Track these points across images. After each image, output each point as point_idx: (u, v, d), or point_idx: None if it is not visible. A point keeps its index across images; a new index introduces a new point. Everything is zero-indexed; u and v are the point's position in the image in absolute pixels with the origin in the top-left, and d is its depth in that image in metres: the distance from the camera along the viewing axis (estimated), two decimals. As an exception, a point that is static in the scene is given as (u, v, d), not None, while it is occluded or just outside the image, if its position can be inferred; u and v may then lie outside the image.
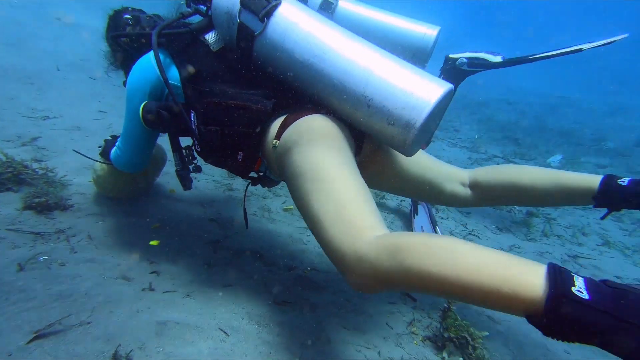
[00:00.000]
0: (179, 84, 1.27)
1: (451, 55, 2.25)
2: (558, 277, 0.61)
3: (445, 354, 1.32)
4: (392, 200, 2.48)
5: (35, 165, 1.89)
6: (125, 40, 1.42)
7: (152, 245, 1.62)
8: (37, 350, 1.06)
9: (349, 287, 1.61)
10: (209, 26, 1.26)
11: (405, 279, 0.77)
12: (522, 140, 4.79)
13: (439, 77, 2.22)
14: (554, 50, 1.84)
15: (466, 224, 2.38)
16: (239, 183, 2.31)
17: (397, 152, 1.37)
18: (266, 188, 1.70)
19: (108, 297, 1.30)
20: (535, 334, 1.55)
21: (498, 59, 2.08)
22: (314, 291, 1.55)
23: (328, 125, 1.12)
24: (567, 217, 2.72)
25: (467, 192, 1.41)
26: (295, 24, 1.13)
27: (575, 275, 0.62)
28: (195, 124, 1.25)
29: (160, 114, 1.25)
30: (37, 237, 1.51)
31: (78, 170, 1.98)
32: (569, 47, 1.81)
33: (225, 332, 1.26)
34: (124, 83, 1.37)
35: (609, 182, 1.17)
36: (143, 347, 1.14)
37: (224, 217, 1.96)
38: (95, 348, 1.11)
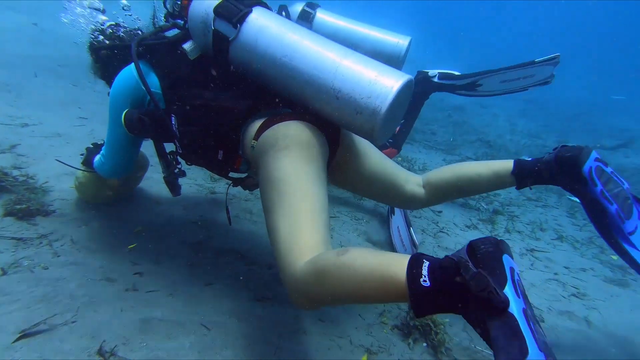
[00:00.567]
0: (160, 91, 1.36)
1: (424, 70, 2.46)
2: (409, 273, 0.76)
3: (410, 340, 1.44)
4: (370, 201, 2.61)
5: (15, 173, 1.90)
6: (105, 53, 1.50)
7: (136, 248, 1.68)
8: (23, 348, 1.12)
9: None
10: (186, 37, 1.35)
11: (329, 297, 0.92)
12: (494, 142, 5.05)
13: None
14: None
15: (437, 222, 2.54)
16: (221, 186, 2.38)
17: (366, 158, 1.49)
18: (247, 191, 1.79)
19: (92, 298, 1.36)
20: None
21: (458, 73, 2.36)
22: (292, 287, 1.65)
23: (304, 134, 1.22)
24: (528, 215, 2.94)
25: (422, 191, 1.55)
26: (266, 27, 1.23)
27: (423, 263, 0.76)
28: (176, 126, 1.34)
29: (142, 120, 1.33)
30: (19, 242, 1.54)
31: (59, 177, 2.01)
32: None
33: (206, 327, 1.34)
34: (109, 94, 1.45)
35: (520, 161, 1.42)
36: (127, 342, 1.21)
37: (207, 219, 2.03)
38: (80, 345, 1.17)
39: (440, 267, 0.73)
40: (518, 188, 1.43)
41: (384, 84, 1.12)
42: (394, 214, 2.32)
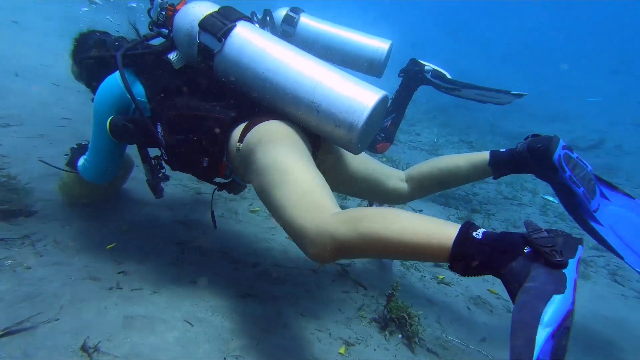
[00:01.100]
0: (145, 99, 1.39)
1: (420, 61, 2.54)
2: (464, 228, 0.85)
3: (387, 332, 1.52)
4: (353, 200, 2.69)
5: (-4, 173, 1.90)
6: (90, 62, 1.52)
7: (120, 247, 1.70)
8: (6, 345, 1.14)
9: (308, 279, 1.77)
10: (171, 47, 1.39)
11: (359, 242, 0.94)
12: (476, 143, 5.23)
13: (399, 75, 2.55)
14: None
15: (418, 221, 2.64)
16: (206, 187, 2.41)
17: (348, 157, 1.56)
18: (232, 194, 1.83)
19: (76, 296, 1.38)
20: (463, 311, 1.80)
21: (449, 75, 2.49)
22: (276, 285, 1.70)
23: (286, 129, 1.29)
24: (503, 213, 3.08)
25: (405, 186, 1.64)
26: (250, 42, 1.29)
27: (480, 228, 0.86)
28: (162, 134, 1.38)
29: (126, 127, 1.37)
30: (1, 242, 1.55)
31: (42, 177, 2.00)
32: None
33: (190, 323, 1.38)
34: (93, 100, 1.47)
35: (495, 152, 1.58)
36: (111, 338, 1.24)
37: (192, 219, 2.06)
38: (64, 341, 1.19)
39: (497, 233, 0.82)
40: (495, 178, 1.57)
41: (361, 100, 1.20)
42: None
